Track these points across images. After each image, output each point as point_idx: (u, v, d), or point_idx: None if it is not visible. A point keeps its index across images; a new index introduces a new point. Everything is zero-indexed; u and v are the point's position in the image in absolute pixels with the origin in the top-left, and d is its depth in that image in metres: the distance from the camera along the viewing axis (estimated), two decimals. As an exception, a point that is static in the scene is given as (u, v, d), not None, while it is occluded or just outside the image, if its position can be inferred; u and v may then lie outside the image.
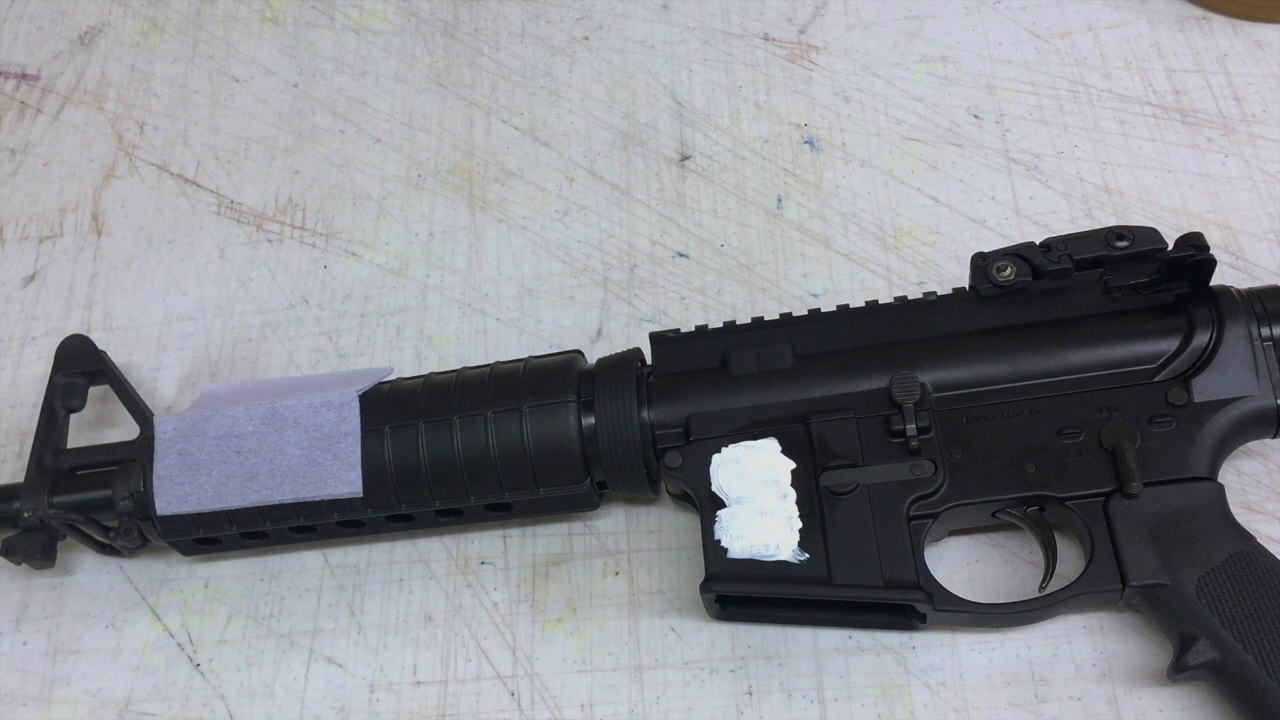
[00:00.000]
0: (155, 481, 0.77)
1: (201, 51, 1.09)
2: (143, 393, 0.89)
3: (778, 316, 0.77)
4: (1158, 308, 0.73)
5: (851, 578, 0.69)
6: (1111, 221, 0.86)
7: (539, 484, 0.75)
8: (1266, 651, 0.64)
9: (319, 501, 0.76)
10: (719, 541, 0.71)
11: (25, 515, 0.79)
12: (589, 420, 0.74)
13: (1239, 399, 0.70)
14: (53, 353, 0.86)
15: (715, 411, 0.74)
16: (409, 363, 0.90)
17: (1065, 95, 0.93)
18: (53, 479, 0.80)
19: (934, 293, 0.77)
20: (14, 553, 0.78)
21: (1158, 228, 0.73)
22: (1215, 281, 0.72)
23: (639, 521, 0.81)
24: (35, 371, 0.94)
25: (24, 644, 0.83)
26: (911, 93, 0.95)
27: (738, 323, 0.78)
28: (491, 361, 0.80)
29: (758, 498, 0.71)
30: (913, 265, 0.87)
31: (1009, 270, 0.74)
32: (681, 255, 0.91)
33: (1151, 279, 0.73)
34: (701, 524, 0.72)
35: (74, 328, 0.94)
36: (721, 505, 0.71)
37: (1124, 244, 0.72)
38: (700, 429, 0.74)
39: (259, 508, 0.76)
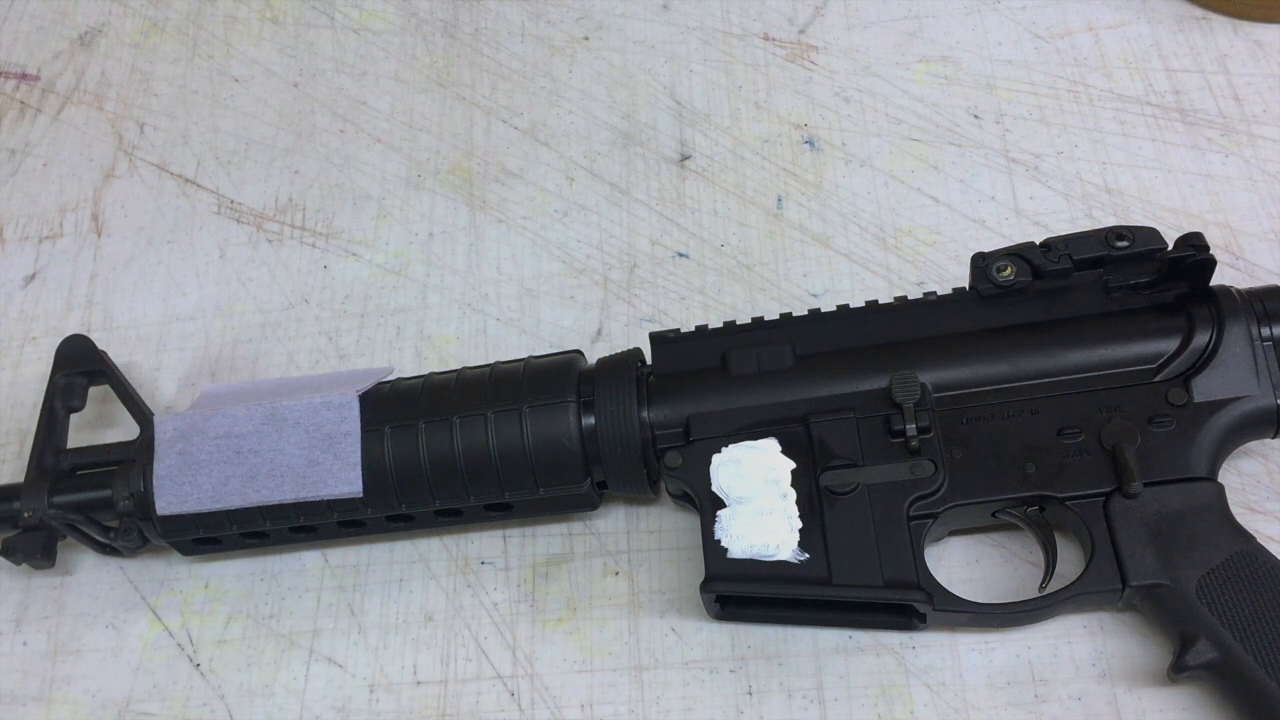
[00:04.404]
0: (155, 481, 0.77)
1: (201, 51, 1.09)
2: (143, 393, 0.89)
3: (778, 316, 0.77)
4: (1158, 308, 0.73)
5: (851, 578, 0.69)
6: (1111, 221, 0.86)
7: (539, 484, 0.75)
8: (1266, 651, 0.64)
9: (319, 501, 0.76)
10: (719, 541, 0.71)
11: (25, 515, 0.79)
12: (589, 420, 0.74)
13: (1239, 399, 0.70)
14: (53, 353, 0.86)
15: (715, 411, 0.74)
16: (409, 363, 0.90)
17: (1065, 95, 0.93)
18: (53, 479, 0.80)
19: (934, 293, 0.77)
20: (14, 553, 0.78)
21: (1158, 228, 0.73)
22: (1215, 281, 0.72)
23: (639, 521, 0.81)
24: (35, 371, 0.94)
25: (24, 644, 0.83)
26: (911, 93, 0.95)
27: (738, 323, 0.78)
28: (491, 361, 0.80)
29: (758, 498, 0.71)
30: (913, 265, 0.87)
31: (1009, 270, 0.74)
32: (681, 255, 0.91)
33: (1151, 279, 0.73)
34: (701, 524, 0.72)
35: (74, 328, 0.94)
36: (721, 505, 0.71)
37: (1124, 244, 0.72)
38: (700, 429, 0.74)
39: (259, 508, 0.76)
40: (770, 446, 0.72)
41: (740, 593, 0.71)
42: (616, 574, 0.79)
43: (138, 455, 0.79)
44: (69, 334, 0.87)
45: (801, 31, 1.00)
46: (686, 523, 0.79)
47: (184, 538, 0.79)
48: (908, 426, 0.71)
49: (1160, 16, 0.95)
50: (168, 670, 0.80)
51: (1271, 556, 0.67)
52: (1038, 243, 0.74)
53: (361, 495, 0.75)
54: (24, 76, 1.11)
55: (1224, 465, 0.71)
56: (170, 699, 0.79)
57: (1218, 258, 0.71)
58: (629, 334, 0.88)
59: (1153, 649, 0.71)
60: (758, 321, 0.77)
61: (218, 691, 0.79)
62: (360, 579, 0.82)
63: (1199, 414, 0.70)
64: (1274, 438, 0.72)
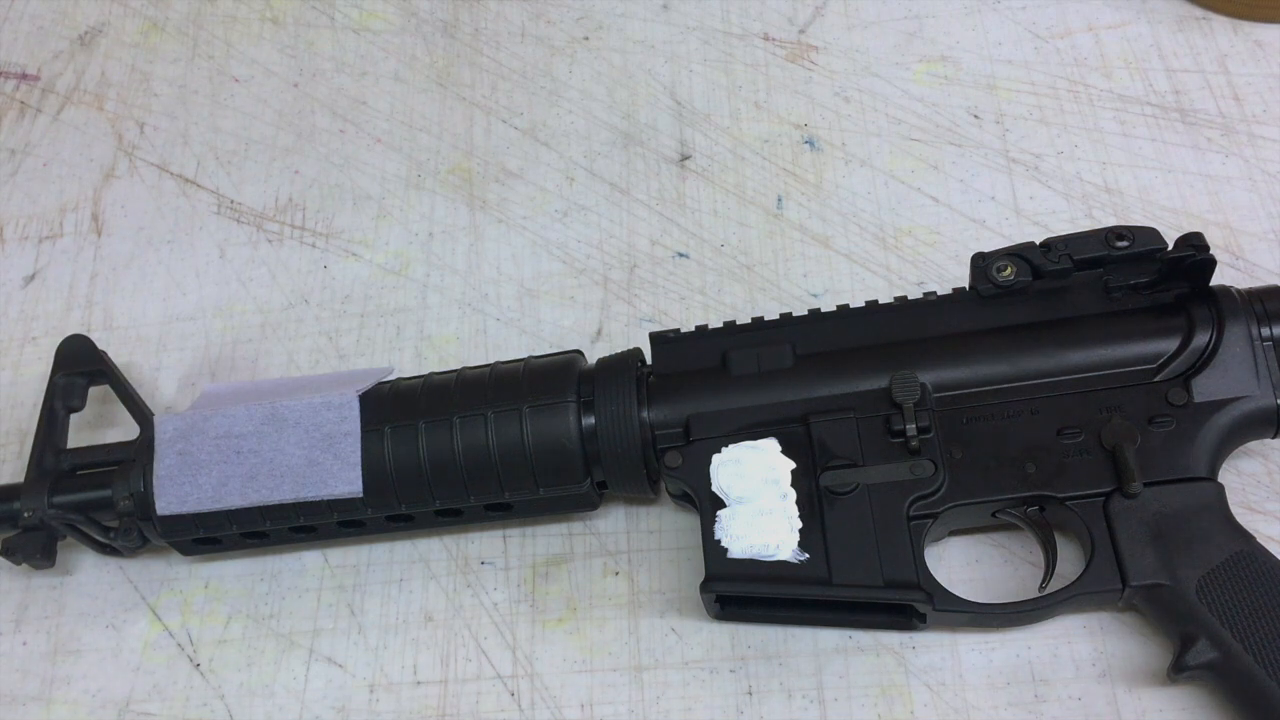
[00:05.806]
0: (155, 481, 0.77)
1: (201, 51, 1.09)
2: (143, 393, 0.89)
3: (778, 316, 0.77)
4: (1158, 308, 0.73)
5: (851, 578, 0.69)
6: (1111, 221, 0.86)
7: (539, 484, 0.75)
8: (1266, 651, 0.64)
9: (319, 501, 0.76)
10: (719, 541, 0.71)
11: (25, 515, 0.79)
12: (589, 420, 0.74)
13: (1239, 399, 0.70)
14: (53, 353, 0.86)
15: (715, 411, 0.74)
16: (409, 363, 0.90)
17: (1065, 95, 0.93)
18: (53, 479, 0.80)
19: (934, 293, 0.77)
20: (14, 553, 0.78)
21: (1158, 228, 0.73)
22: (1215, 281, 0.72)
23: (639, 521, 0.81)
24: (35, 371, 0.94)
25: (24, 644, 0.83)
26: (911, 93, 0.95)
27: (738, 323, 0.78)
28: (491, 361, 0.80)
29: (758, 498, 0.71)
30: (913, 265, 0.87)
31: (1009, 270, 0.74)
32: (681, 255, 0.91)
33: (1151, 279, 0.73)
34: (701, 524, 0.72)
35: (74, 328, 0.94)
36: (721, 505, 0.71)
37: (1124, 244, 0.72)
38: (700, 429, 0.74)
39: (259, 508, 0.76)
40: (770, 446, 0.72)
41: (740, 593, 0.71)
42: (616, 574, 0.79)
43: (138, 455, 0.79)
44: (69, 334, 0.87)
45: (801, 31, 1.00)
46: (686, 523, 0.79)
47: (184, 538, 0.79)
48: (908, 426, 0.71)
49: (1160, 16, 0.95)
50: (168, 670, 0.80)
51: (1271, 556, 0.67)
52: (1038, 243, 0.74)
53: (361, 495, 0.75)
54: (24, 76, 1.11)
55: (1224, 465, 0.71)
56: (170, 699, 0.79)
57: (1218, 258, 0.71)
58: (629, 334, 0.88)
59: (1153, 649, 0.71)
60: (758, 321, 0.77)
61: (218, 691, 0.79)
62: (360, 579, 0.82)
63: (1199, 414, 0.70)
64: (1274, 438, 0.72)
